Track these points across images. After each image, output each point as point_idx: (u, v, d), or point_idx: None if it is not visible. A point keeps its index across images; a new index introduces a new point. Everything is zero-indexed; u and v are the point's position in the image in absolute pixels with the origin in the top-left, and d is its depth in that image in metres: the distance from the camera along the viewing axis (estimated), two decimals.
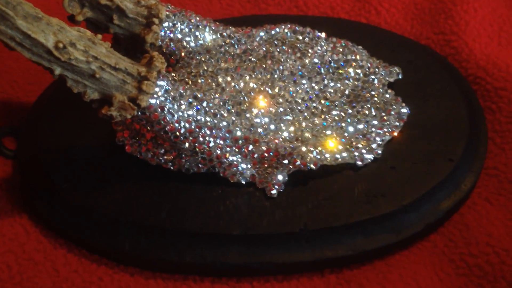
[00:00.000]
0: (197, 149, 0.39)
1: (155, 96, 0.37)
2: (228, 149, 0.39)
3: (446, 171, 0.40)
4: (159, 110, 0.37)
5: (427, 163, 0.41)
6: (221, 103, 0.39)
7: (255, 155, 0.39)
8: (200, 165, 0.39)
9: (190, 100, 0.38)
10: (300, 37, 0.45)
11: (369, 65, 0.44)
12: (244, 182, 0.40)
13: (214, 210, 0.39)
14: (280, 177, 0.39)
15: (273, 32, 0.45)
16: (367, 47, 0.47)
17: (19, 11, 0.32)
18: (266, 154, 0.39)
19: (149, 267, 0.39)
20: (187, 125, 0.38)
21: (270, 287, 0.38)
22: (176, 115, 0.37)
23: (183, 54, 0.42)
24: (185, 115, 0.38)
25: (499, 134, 0.45)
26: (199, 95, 0.38)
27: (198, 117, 0.38)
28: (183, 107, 0.38)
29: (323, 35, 0.46)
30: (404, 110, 0.43)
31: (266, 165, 0.40)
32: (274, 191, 0.39)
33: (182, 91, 0.38)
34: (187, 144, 0.38)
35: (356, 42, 0.48)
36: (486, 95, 0.47)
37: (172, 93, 0.37)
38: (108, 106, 0.36)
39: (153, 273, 0.39)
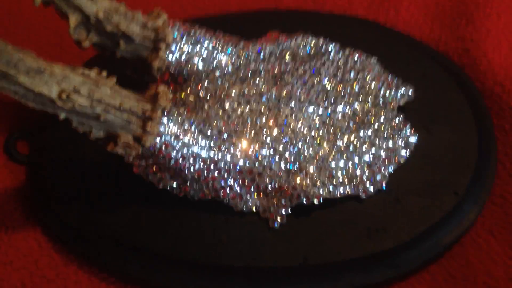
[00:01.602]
0: (201, 182, 0.39)
1: (159, 134, 0.37)
2: (232, 181, 0.39)
3: (450, 205, 0.40)
4: (164, 147, 0.37)
5: (431, 196, 0.41)
6: (227, 135, 0.39)
7: (259, 187, 0.40)
8: (205, 193, 0.40)
9: (195, 135, 0.38)
10: (313, 51, 0.44)
11: (380, 85, 0.44)
12: (247, 212, 0.40)
13: (217, 239, 0.40)
14: (283, 211, 0.40)
15: (284, 45, 0.44)
16: (381, 56, 0.46)
17: (20, 68, 0.31)
18: (269, 187, 0.40)
19: None
20: (191, 160, 0.38)
21: None
22: (180, 152, 0.38)
23: (191, 74, 0.42)
24: (190, 151, 0.38)
25: (510, 158, 0.44)
26: (204, 130, 0.38)
27: (203, 153, 0.38)
28: (187, 143, 0.38)
29: (336, 47, 0.45)
30: (412, 140, 0.42)
31: (269, 196, 0.40)
32: (276, 223, 0.40)
33: (186, 127, 0.38)
34: (191, 176, 0.39)
35: (371, 49, 0.47)
36: (501, 113, 0.46)
37: (176, 130, 0.37)
38: (113, 144, 0.37)
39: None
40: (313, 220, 0.40)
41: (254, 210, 0.40)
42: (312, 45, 0.44)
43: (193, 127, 0.38)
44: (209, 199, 0.40)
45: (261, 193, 0.40)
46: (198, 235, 0.40)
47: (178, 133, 0.37)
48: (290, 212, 0.40)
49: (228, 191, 0.40)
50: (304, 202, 0.40)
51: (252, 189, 0.40)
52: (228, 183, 0.39)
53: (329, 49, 0.45)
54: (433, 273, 0.41)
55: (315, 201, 0.39)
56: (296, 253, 0.39)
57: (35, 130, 0.47)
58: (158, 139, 0.37)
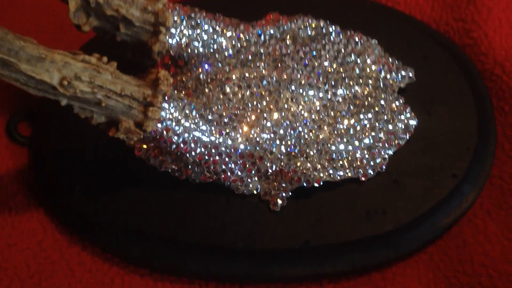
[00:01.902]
0: (203, 165, 0.39)
1: (160, 119, 0.37)
2: (233, 165, 0.40)
3: (449, 188, 0.41)
4: (165, 132, 0.37)
5: (430, 178, 0.41)
6: (228, 119, 0.39)
7: (260, 171, 0.40)
8: (206, 176, 0.40)
9: (196, 120, 0.38)
10: (313, 33, 0.44)
11: (380, 67, 0.44)
12: (248, 194, 0.41)
13: (219, 221, 0.40)
14: (283, 194, 0.40)
15: (285, 27, 0.44)
16: (382, 37, 0.46)
17: (22, 56, 0.31)
18: (270, 170, 0.40)
19: (157, 271, 0.41)
20: (193, 145, 0.38)
21: None
22: (182, 137, 0.38)
23: (191, 57, 0.42)
24: (191, 136, 0.38)
25: (509, 139, 0.45)
26: (205, 114, 0.39)
27: (204, 137, 0.38)
28: (189, 128, 0.38)
29: (337, 29, 0.45)
30: (412, 122, 0.42)
31: (270, 180, 0.40)
32: (277, 206, 0.40)
33: (187, 112, 0.38)
34: (192, 160, 0.39)
35: (372, 29, 0.47)
36: (501, 94, 0.46)
37: (178, 115, 0.37)
38: (115, 129, 0.37)
39: (161, 276, 0.41)
40: (313, 202, 0.41)
41: (255, 193, 0.41)
42: (313, 26, 0.44)
43: (194, 112, 0.38)
44: (210, 182, 0.41)
45: (262, 176, 0.40)
46: (199, 217, 0.40)
47: (179, 118, 0.38)
48: (290, 194, 0.40)
49: (229, 175, 0.40)
50: (305, 185, 0.40)
51: (253, 173, 0.40)
52: (229, 166, 0.40)
53: (330, 31, 0.44)
54: (430, 253, 0.41)
55: (316, 184, 0.40)
56: (297, 235, 0.40)
57: (37, 111, 0.47)
58: (159, 125, 0.37)
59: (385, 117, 0.42)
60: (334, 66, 0.43)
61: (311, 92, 0.41)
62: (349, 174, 0.41)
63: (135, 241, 0.41)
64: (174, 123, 0.37)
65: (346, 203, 0.41)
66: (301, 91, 0.41)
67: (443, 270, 0.40)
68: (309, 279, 0.40)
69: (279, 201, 0.40)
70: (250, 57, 0.42)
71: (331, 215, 0.40)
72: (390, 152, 0.42)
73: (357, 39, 0.45)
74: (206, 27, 0.42)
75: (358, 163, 0.41)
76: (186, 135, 0.38)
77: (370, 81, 0.43)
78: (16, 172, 0.45)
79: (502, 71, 0.46)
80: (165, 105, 0.37)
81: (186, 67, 0.42)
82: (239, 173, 0.40)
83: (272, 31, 0.44)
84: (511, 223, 0.41)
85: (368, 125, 0.42)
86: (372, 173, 0.41)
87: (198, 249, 0.40)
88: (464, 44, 0.48)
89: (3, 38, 0.30)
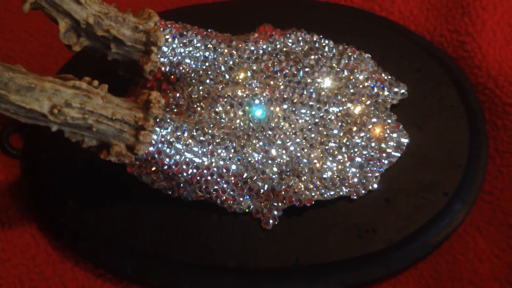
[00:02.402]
0: (195, 185, 0.39)
1: (152, 143, 0.37)
2: (225, 185, 0.40)
3: (440, 206, 0.41)
4: (157, 155, 0.37)
5: (421, 196, 0.41)
6: (220, 139, 0.39)
7: (252, 190, 0.40)
8: (198, 195, 0.41)
9: (188, 142, 0.38)
10: (306, 47, 0.44)
11: (373, 83, 0.43)
12: (240, 212, 0.41)
13: (211, 239, 0.41)
14: (275, 212, 0.40)
15: (277, 43, 0.44)
16: (376, 48, 0.46)
17: (11, 87, 0.31)
18: (262, 190, 0.40)
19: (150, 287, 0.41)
20: (184, 166, 0.38)
21: None
22: (173, 159, 0.38)
23: (183, 74, 0.42)
24: (183, 157, 0.38)
25: (500, 154, 0.45)
26: (196, 135, 0.39)
27: (196, 159, 0.38)
28: (181, 150, 0.38)
29: (330, 44, 0.44)
30: (404, 140, 0.42)
31: (262, 198, 0.41)
32: (269, 224, 0.40)
33: (179, 134, 0.38)
34: (184, 180, 0.39)
35: (366, 40, 0.47)
36: (493, 108, 0.46)
37: (169, 138, 0.37)
38: (106, 152, 0.37)
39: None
40: (305, 221, 0.41)
41: (247, 211, 0.41)
42: (306, 41, 0.44)
43: (186, 133, 0.38)
44: (202, 200, 0.41)
45: (254, 195, 0.41)
46: (191, 234, 0.41)
47: (171, 140, 0.37)
48: (282, 213, 0.41)
49: (221, 193, 0.40)
50: (296, 204, 0.40)
51: (245, 191, 0.40)
52: (221, 186, 0.40)
53: (323, 45, 0.44)
54: (421, 268, 0.42)
55: (307, 204, 0.40)
56: (288, 253, 0.40)
57: (28, 123, 0.47)
58: (151, 148, 0.37)
59: (378, 136, 0.42)
60: (327, 83, 0.43)
61: (303, 111, 0.41)
62: (341, 193, 0.41)
63: (127, 258, 0.41)
64: (165, 146, 0.37)
65: (337, 221, 0.41)
66: (293, 109, 0.41)
67: (432, 287, 0.41)
68: None
69: (271, 220, 0.40)
70: (242, 75, 0.42)
71: (322, 233, 0.40)
72: (382, 170, 0.42)
73: (350, 54, 0.44)
74: (198, 44, 0.41)
75: (350, 182, 0.41)
76: (178, 157, 0.38)
77: (363, 98, 0.43)
78: (8, 185, 0.45)
79: (495, 85, 0.46)
80: (157, 128, 0.37)
81: (178, 83, 0.42)
82: (231, 192, 0.40)
83: (265, 46, 0.43)
84: (500, 240, 0.42)
85: (360, 144, 0.42)
86: (363, 192, 0.41)
87: (190, 267, 0.40)
88: (458, 56, 0.48)
89: None
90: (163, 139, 0.37)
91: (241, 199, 0.41)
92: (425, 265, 0.42)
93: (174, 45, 0.40)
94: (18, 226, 0.44)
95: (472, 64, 0.47)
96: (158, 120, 0.37)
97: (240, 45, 0.43)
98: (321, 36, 0.45)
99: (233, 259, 0.40)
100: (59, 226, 0.43)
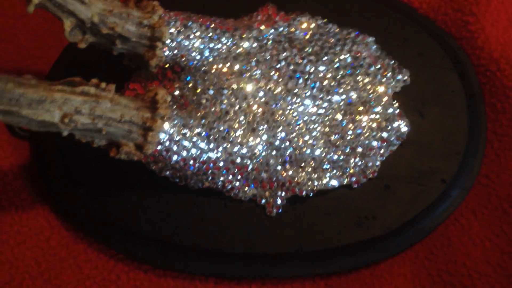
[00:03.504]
0: (202, 176, 0.41)
1: (160, 141, 0.38)
2: (231, 176, 0.41)
3: (437, 193, 0.43)
4: (165, 153, 0.39)
5: (419, 183, 0.43)
6: (225, 133, 0.40)
7: (257, 180, 0.42)
8: (204, 185, 0.42)
9: (195, 139, 0.39)
10: (310, 33, 0.44)
11: (376, 70, 0.44)
12: (245, 200, 0.43)
13: (218, 226, 0.42)
14: (279, 201, 0.42)
15: (281, 28, 0.44)
16: (379, 30, 0.46)
17: (22, 102, 0.32)
18: (266, 180, 0.42)
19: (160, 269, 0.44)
20: (191, 161, 0.40)
21: None
22: (181, 155, 0.39)
23: (188, 65, 0.42)
24: (190, 153, 0.39)
25: (498, 137, 0.46)
26: (202, 131, 0.40)
27: (203, 155, 0.40)
28: (187, 147, 0.39)
29: (334, 28, 0.45)
30: (405, 129, 0.43)
31: (267, 187, 0.42)
32: (273, 212, 0.42)
33: (186, 131, 0.39)
34: (191, 173, 0.41)
35: (370, 21, 0.47)
36: (494, 91, 0.47)
37: (176, 136, 0.38)
38: (116, 149, 0.38)
39: (164, 272, 0.44)
40: (307, 208, 0.43)
41: (252, 198, 0.42)
42: (310, 27, 0.44)
43: (192, 130, 0.39)
44: (208, 187, 0.42)
45: (259, 183, 0.42)
46: (199, 222, 0.43)
47: (177, 139, 0.39)
48: (285, 201, 0.42)
49: (227, 184, 0.42)
50: (299, 195, 0.42)
51: (249, 181, 0.42)
52: (227, 177, 0.41)
53: (327, 30, 0.44)
54: (417, 251, 0.44)
55: (310, 194, 0.42)
56: (291, 240, 0.42)
57: None
58: (159, 146, 0.38)
59: (379, 125, 0.43)
60: (331, 72, 0.43)
61: (306, 102, 0.42)
62: (342, 182, 0.42)
63: (138, 243, 0.43)
64: (173, 144, 0.38)
65: (338, 209, 0.43)
66: (297, 101, 0.42)
67: (428, 268, 0.43)
68: (302, 277, 0.43)
69: (274, 209, 0.42)
70: (247, 65, 0.42)
71: (323, 221, 0.42)
72: (383, 159, 0.43)
73: (353, 38, 0.44)
74: (202, 35, 0.41)
75: (351, 171, 0.42)
76: (184, 153, 0.39)
77: (366, 87, 0.43)
78: (19, 168, 0.47)
79: (497, 68, 0.46)
80: (164, 128, 0.38)
81: (183, 72, 0.43)
82: (237, 183, 0.42)
83: (268, 34, 0.43)
84: (494, 225, 0.44)
85: (362, 134, 0.43)
86: (364, 180, 0.43)
87: (197, 252, 0.42)
88: (461, 37, 0.48)
89: (3, 90, 0.31)
90: (170, 138, 0.38)
91: (246, 188, 0.42)
92: (421, 246, 0.44)
93: (179, 39, 0.41)
94: (31, 209, 0.45)
95: (475, 45, 0.47)
96: (165, 119, 0.38)
97: (243, 34, 0.43)
98: (325, 20, 0.45)
99: (238, 245, 0.42)
100: (69, 210, 0.44)
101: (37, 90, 0.33)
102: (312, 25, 0.44)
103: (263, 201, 0.42)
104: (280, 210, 0.42)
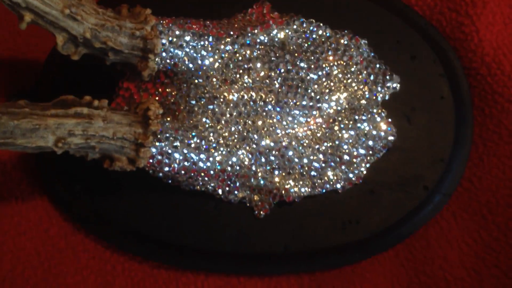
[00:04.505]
0: (193, 183, 0.42)
1: (152, 155, 0.39)
2: (221, 182, 0.43)
3: (420, 199, 0.44)
4: (156, 165, 0.40)
5: (403, 190, 0.44)
6: (216, 144, 0.42)
7: (245, 185, 0.43)
8: (196, 189, 0.44)
9: (186, 151, 0.40)
10: (303, 37, 0.44)
11: (366, 78, 0.44)
12: (234, 202, 0.44)
13: (208, 226, 0.44)
14: (266, 205, 0.44)
15: (274, 32, 0.44)
16: (373, 32, 0.46)
17: (17, 133, 0.33)
18: (255, 187, 0.43)
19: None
20: (183, 172, 0.41)
21: (253, 282, 0.46)
22: (172, 166, 0.40)
23: (180, 71, 0.43)
24: (181, 165, 0.41)
25: (483, 141, 0.47)
26: (193, 143, 0.41)
27: (193, 166, 0.41)
28: (179, 159, 0.40)
29: (327, 31, 0.45)
30: (391, 138, 0.44)
31: (255, 191, 0.44)
32: (261, 214, 0.44)
33: (177, 144, 0.40)
34: (182, 180, 0.42)
35: (362, 23, 0.47)
36: (483, 95, 0.47)
37: (168, 149, 0.40)
38: (109, 161, 0.39)
39: (157, 263, 0.46)
40: (293, 211, 0.44)
41: (241, 201, 0.44)
42: (304, 30, 0.44)
43: (183, 142, 0.40)
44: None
45: (247, 188, 0.44)
46: (190, 222, 0.45)
47: (169, 152, 0.40)
48: (273, 205, 0.44)
49: (217, 188, 0.43)
50: (287, 200, 0.43)
51: (239, 186, 0.43)
52: (217, 183, 0.43)
53: (320, 34, 0.44)
54: (397, 250, 0.46)
55: (297, 200, 0.43)
56: (278, 240, 0.44)
57: (33, 94, 0.48)
58: (151, 160, 0.39)
59: (366, 133, 0.44)
60: (322, 79, 0.44)
61: (296, 110, 0.43)
62: (329, 188, 0.44)
63: (131, 241, 0.45)
64: (164, 157, 0.40)
65: (324, 212, 0.44)
66: (287, 109, 0.43)
67: (407, 268, 0.46)
68: (287, 272, 0.45)
69: (262, 212, 0.44)
70: (238, 73, 0.43)
71: (309, 223, 0.44)
72: (368, 166, 0.44)
73: (346, 42, 0.45)
74: (195, 43, 0.42)
75: (337, 178, 0.44)
76: (176, 165, 0.40)
77: (356, 94, 0.44)
78: (17, 158, 0.48)
79: (488, 73, 0.47)
80: (156, 142, 0.39)
81: (175, 78, 0.43)
82: (227, 188, 0.43)
83: (261, 37, 0.44)
84: (472, 230, 0.45)
85: (349, 143, 0.44)
86: (349, 186, 0.44)
87: (188, 250, 0.45)
88: (455, 37, 0.48)
89: None
90: (161, 152, 0.40)
91: (236, 191, 0.44)
92: (402, 246, 0.46)
93: (171, 49, 0.41)
94: (30, 200, 0.47)
95: (468, 48, 0.47)
96: (157, 134, 0.39)
97: (236, 41, 0.43)
98: (318, 23, 0.45)
99: (229, 244, 0.44)
100: (66, 202, 0.46)
101: (31, 119, 0.34)
102: (305, 28, 0.44)
103: (252, 204, 0.44)
104: (268, 213, 0.44)
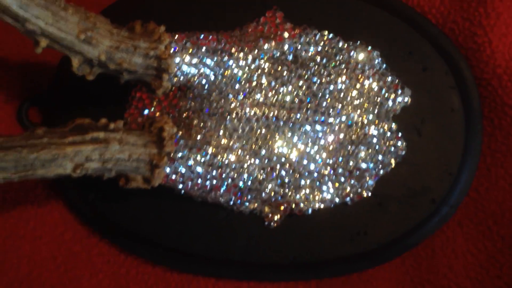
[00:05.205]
0: (205, 196, 0.43)
1: (166, 175, 0.40)
2: (233, 196, 0.44)
3: (427, 212, 0.45)
4: (170, 183, 0.41)
5: (410, 203, 0.45)
6: (228, 161, 0.42)
7: (257, 198, 0.44)
8: (208, 201, 0.45)
9: (199, 169, 0.41)
10: (315, 51, 0.44)
11: (378, 89, 0.45)
12: (245, 213, 0.45)
13: (219, 235, 0.46)
14: (276, 217, 0.45)
15: (287, 46, 0.44)
16: (385, 42, 0.46)
17: (36, 164, 0.34)
18: (266, 199, 0.44)
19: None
20: (196, 188, 0.42)
21: (263, 287, 0.48)
22: (185, 184, 0.41)
23: (194, 87, 0.43)
24: (194, 182, 0.41)
25: (492, 152, 0.47)
26: (206, 161, 0.41)
27: (207, 183, 0.42)
28: (192, 177, 0.41)
29: (339, 44, 0.45)
30: (401, 153, 0.45)
31: (266, 203, 0.45)
32: (271, 226, 0.45)
33: (191, 164, 0.41)
34: (194, 195, 0.43)
35: (374, 32, 0.47)
36: (493, 106, 0.47)
37: (181, 169, 0.40)
38: (124, 180, 0.40)
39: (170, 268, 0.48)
40: (303, 222, 0.45)
41: (252, 212, 0.45)
42: (316, 42, 0.44)
43: (196, 160, 0.41)
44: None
45: (259, 199, 0.45)
46: (201, 230, 0.46)
47: (183, 172, 0.41)
48: (283, 217, 0.45)
49: (228, 202, 0.44)
50: (297, 213, 0.44)
51: (250, 198, 0.44)
52: (229, 196, 0.44)
53: (333, 46, 0.44)
54: (403, 257, 0.47)
55: (306, 213, 0.44)
56: (287, 251, 0.45)
57: (46, 97, 0.49)
58: (165, 179, 0.40)
59: (377, 148, 0.45)
60: (334, 93, 0.44)
61: (308, 126, 0.43)
62: (338, 202, 0.45)
63: (143, 248, 0.46)
64: (178, 176, 0.41)
65: (332, 224, 0.45)
66: (298, 125, 0.43)
67: (412, 276, 0.47)
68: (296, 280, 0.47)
69: (272, 224, 0.45)
70: (251, 88, 0.43)
71: (318, 235, 0.45)
72: (377, 179, 0.45)
73: (359, 54, 0.45)
74: (208, 61, 0.42)
75: (347, 192, 0.45)
76: (189, 183, 0.41)
77: (368, 109, 0.44)
78: None
79: (499, 84, 0.47)
80: (170, 163, 0.40)
81: (189, 91, 0.43)
82: (238, 201, 0.44)
83: (274, 51, 0.44)
84: (478, 240, 0.47)
85: (359, 158, 0.44)
86: (357, 199, 0.45)
87: (199, 259, 0.46)
88: (467, 47, 0.48)
89: (18, 159, 0.32)
90: (175, 171, 0.40)
91: (247, 203, 0.45)
92: (407, 254, 0.47)
93: (185, 67, 0.41)
94: (45, 205, 0.48)
95: (480, 58, 0.47)
96: (171, 155, 0.40)
97: (249, 55, 0.43)
98: (331, 35, 0.45)
99: (238, 254, 0.46)
100: (80, 206, 0.47)
101: (49, 149, 0.34)
102: (317, 40, 0.44)
103: (263, 215, 0.45)
104: (279, 224, 0.45)
